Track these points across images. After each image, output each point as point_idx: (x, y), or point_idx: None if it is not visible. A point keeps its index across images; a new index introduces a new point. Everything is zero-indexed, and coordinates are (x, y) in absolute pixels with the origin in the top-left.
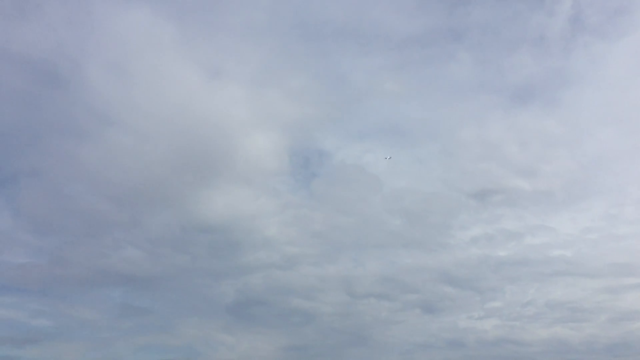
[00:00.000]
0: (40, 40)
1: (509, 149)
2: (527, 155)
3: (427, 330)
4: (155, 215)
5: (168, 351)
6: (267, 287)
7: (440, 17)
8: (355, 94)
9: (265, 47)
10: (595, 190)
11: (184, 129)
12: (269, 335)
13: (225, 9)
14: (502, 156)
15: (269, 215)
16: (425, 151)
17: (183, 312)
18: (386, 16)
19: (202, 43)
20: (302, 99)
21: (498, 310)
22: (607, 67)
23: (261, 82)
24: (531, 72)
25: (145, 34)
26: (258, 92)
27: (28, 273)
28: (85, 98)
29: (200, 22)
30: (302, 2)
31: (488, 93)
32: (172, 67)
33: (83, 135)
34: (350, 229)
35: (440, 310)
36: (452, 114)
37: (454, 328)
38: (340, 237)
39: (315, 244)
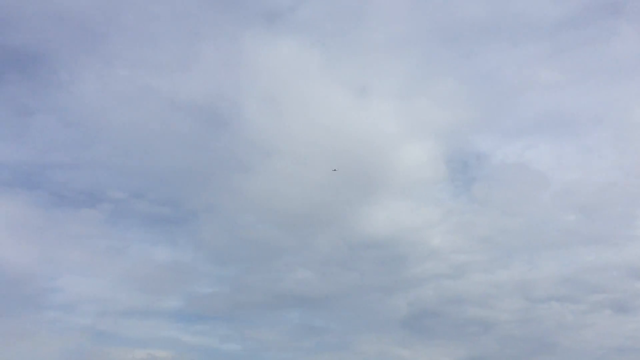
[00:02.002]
0: (201, 87)
1: None
2: None
3: (622, 332)
4: (322, 236)
5: None
6: (438, 297)
7: None
8: (508, 89)
9: (408, 58)
10: None
11: (339, 150)
12: (446, 346)
13: (365, 27)
14: None
15: (432, 225)
16: (594, 139)
17: (358, 329)
18: (531, 3)
19: (346, 64)
20: (452, 104)
21: None
22: None
23: (408, 92)
24: None
25: (292, 64)
26: (406, 103)
27: (214, 301)
28: (246, 133)
29: (342, 44)
30: (439, 6)
31: None
32: (321, 92)
33: (248, 169)
34: (519, 230)
35: (635, 309)
36: (620, 95)
37: None
38: (509, 240)
39: (483, 250)
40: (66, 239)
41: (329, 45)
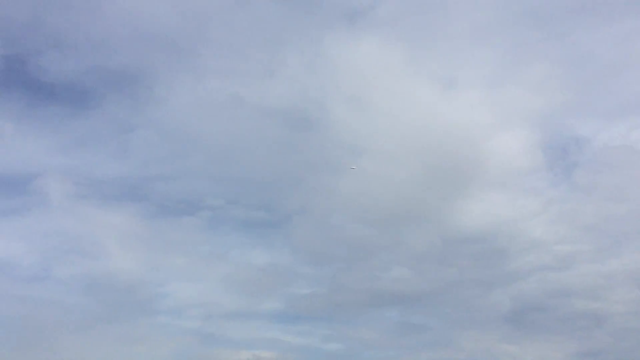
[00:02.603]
0: (287, 92)
1: None
2: None
3: None
4: (416, 232)
5: None
6: (543, 291)
7: None
8: (606, 68)
9: (495, 45)
10: None
11: (429, 145)
12: (555, 342)
13: (448, 17)
14: None
15: (532, 216)
16: None
17: (459, 325)
18: None
19: (431, 56)
20: (546, 88)
21: None
22: None
23: (498, 80)
24: None
25: (376, 62)
26: (497, 92)
27: (313, 302)
28: (334, 134)
29: (425, 37)
30: None
31: None
32: (407, 87)
33: (338, 169)
34: (629, 216)
35: None
36: None
37: None
38: (619, 227)
39: (589, 239)
40: (170, 247)
41: (412, 39)
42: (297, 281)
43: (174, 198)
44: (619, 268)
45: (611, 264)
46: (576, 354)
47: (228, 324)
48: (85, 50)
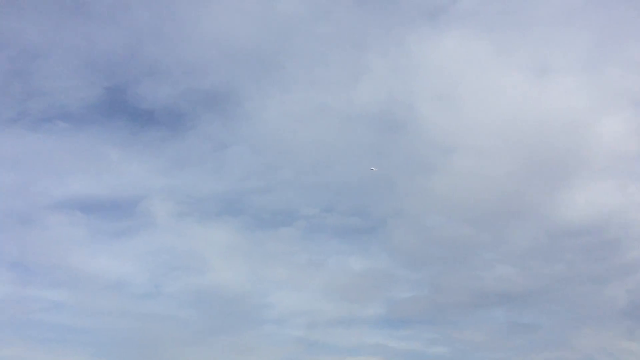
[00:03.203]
0: (374, 96)
1: None
2: None
3: None
4: (518, 228)
5: None
6: None
7: None
8: None
9: (589, 25)
10: None
11: (525, 136)
12: None
13: (535, 2)
14: None
15: None
16: None
17: (573, 323)
18: None
19: (520, 45)
20: None
21: None
22: None
23: (595, 62)
24: None
25: (462, 56)
26: (595, 74)
27: (414, 305)
28: (424, 134)
29: (512, 25)
30: None
31: None
32: (496, 80)
33: (431, 169)
34: None
35: None
36: None
37: None
38: None
39: None
40: (270, 258)
41: (497, 28)
42: (398, 285)
43: (270, 210)
44: None
45: None
46: None
47: (332, 330)
48: (178, 75)
